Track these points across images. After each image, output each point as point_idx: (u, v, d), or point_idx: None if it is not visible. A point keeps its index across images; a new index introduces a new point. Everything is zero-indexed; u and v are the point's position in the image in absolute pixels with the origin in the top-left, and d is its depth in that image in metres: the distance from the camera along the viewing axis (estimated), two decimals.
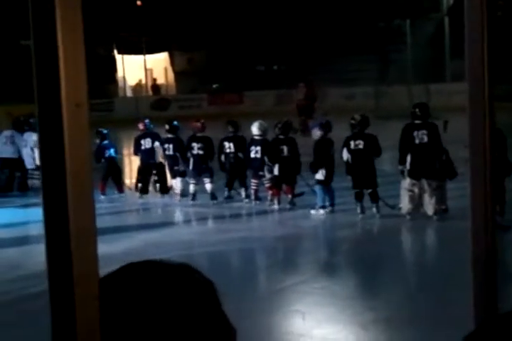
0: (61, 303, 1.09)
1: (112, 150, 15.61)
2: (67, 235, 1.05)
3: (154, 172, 15.37)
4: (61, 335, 1.11)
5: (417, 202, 12.08)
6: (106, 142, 15.64)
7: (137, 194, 15.41)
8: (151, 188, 15.48)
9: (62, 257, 1.07)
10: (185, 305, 1.27)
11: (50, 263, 1.09)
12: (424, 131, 12.17)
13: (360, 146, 12.57)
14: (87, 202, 1.07)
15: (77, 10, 1.05)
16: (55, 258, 1.08)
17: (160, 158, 15.35)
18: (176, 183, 14.99)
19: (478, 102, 1.99)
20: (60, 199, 1.04)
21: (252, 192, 14.18)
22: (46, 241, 1.08)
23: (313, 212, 13.07)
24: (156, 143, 15.33)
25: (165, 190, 15.36)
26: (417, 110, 12.47)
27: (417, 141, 12.18)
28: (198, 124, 14.87)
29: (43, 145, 1.06)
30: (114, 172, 15.63)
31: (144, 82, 42.20)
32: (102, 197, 15.08)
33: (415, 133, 12.19)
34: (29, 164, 16.58)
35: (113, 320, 1.24)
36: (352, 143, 12.63)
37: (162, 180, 15.42)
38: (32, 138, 16.30)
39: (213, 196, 14.51)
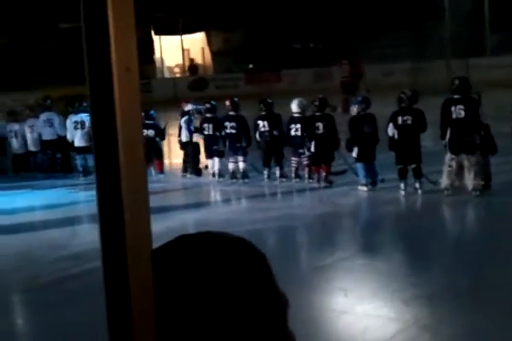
0: (114, 275, 1.11)
1: (150, 131, 15.60)
2: (119, 198, 1.05)
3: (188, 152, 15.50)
4: (116, 306, 1.13)
5: (454, 177, 11.98)
6: (146, 122, 15.65)
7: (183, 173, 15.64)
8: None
9: (115, 225, 1.08)
10: (240, 276, 1.28)
11: (103, 231, 1.10)
12: (461, 106, 11.99)
13: (409, 122, 12.42)
14: (139, 165, 1.07)
15: None
16: (108, 227, 1.08)
17: (183, 138, 15.48)
18: (212, 163, 15.02)
19: None
20: (112, 163, 1.04)
21: (293, 170, 14.16)
22: (98, 203, 1.08)
23: (359, 188, 13.05)
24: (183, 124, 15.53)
25: (195, 171, 15.42)
26: (455, 84, 12.29)
27: (454, 116, 12.03)
28: (228, 103, 14.91)
29: (94, 109, 1.05)
30: (152, 153, 15.62)
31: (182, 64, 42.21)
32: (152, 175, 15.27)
33: (453, 108, 12.04)
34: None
35: (167, 291, 1.24)
36: (400, 118, 12.49)
37: (191, 161, 15.50)
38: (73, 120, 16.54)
39: (245, 175, 14.56)
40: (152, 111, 15.93)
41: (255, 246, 1.34)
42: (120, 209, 1.06)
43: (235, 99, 15.09)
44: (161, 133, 15.97)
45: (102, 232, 1.11)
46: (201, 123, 15.17)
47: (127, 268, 1.11)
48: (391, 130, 12.53)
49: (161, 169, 15.86)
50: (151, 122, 15.70)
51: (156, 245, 1.31)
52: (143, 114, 15.35)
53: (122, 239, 1.09)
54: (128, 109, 1.04)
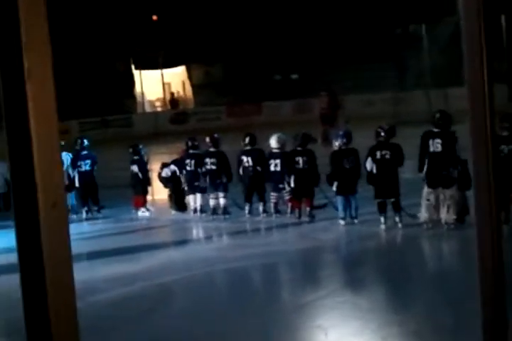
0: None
1: (134, 166, 15.68)
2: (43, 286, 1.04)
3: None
4: None
5: (433, 210, 11.99)
6: (134, 158, 15.79)
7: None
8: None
9: (38, 297, 1.06)
10: None
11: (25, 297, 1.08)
12: (439, 140, 12.06)
13: (387, 156, 12.50)
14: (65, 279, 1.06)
15: (53, 119, 1.04)
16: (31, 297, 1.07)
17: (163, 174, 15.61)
18: (193, 199, 14.96)
19: (479, 108, 1.96)
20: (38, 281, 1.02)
21: (272, 205, 14.13)
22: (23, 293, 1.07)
23: (340, 222, 13.04)
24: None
25: (179, 206, 15.41)
26: (436, 117, 12.36)
27: (431, 149, 12.11)
28: (208, 139, 14.91)
29: (20, 247, 1.02)
30: (136, 187, 15.69)
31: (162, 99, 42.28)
32: (134, 213, 15.40)
33: (430, 142, 12.12)
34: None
35: None
36: (378, 153, 12.56)
37: (173, 197, 15.54)
38: None
39: (225, 211, 14.49)
40: (140, 146, 15.99)
41: None
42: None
43: (216, 135, 15.06)
44: (143, 170, 15.88)
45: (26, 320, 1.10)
46: (183, 159, 15.14)
47: None
48: (369, 164, 12.59)
49: (142, 205, 15.75)
50: (137, 157, 15.74)
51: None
52: (131, 149, 15.57)
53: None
54: (55, 245, 0.99)
